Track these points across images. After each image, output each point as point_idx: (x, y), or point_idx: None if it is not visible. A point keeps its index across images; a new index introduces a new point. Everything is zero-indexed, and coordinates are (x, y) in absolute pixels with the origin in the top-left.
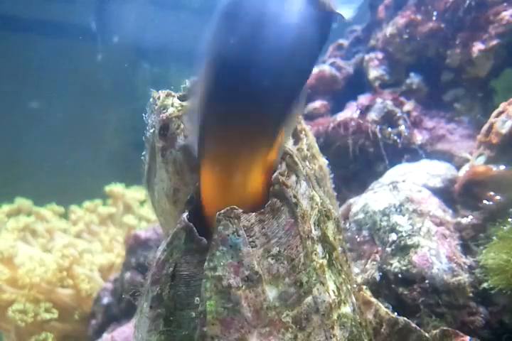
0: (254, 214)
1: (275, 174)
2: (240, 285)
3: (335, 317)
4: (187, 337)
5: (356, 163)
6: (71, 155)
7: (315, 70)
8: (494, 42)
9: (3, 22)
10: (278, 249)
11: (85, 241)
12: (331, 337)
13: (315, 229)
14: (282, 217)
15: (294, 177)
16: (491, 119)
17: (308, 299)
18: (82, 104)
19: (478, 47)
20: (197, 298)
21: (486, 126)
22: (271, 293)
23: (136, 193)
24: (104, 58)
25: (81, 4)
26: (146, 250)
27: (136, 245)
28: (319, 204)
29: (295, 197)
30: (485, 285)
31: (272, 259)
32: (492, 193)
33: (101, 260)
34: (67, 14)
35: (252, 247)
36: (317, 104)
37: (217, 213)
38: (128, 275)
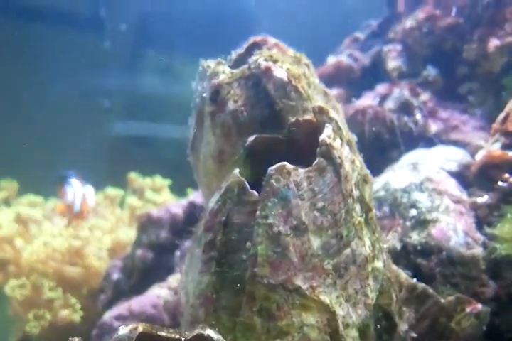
0: (302, 170)
1: (322, 136)
2: (289, 232)
3: (369, 269)
4: (237, 277)
5: (371, 149)
6: (70, 146)
7: (333, 60)
8: (510, 39)
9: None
10: (323, 203)
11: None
12: (365, 286)
13: (355, 190)
14: (328, 175)
15: (339, 141)
16: (507, 108)
17: (347, 251)
18: (87, 92)
19: (494, 42)
20: (248, 243)
21: (502, 115)
22: (315, 242)
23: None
24: (111, 46)
25: None
26: (158, 228)
27: (148, 223)
28: (359, 168)
29: (340, 158)
30: (498, 252)
31: (318, 212)
32: (507, 175)
33: (109, 239)
34: (75, 2)
35: (300, 200)
36: (334, 92)
37: (269, 168)
38: (139, 252)
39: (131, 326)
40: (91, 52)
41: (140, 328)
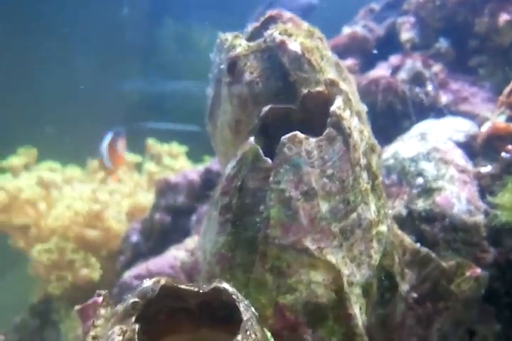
0: (314, 140)
1: (333, 107)
2: (299, 197)
3: (374, 233)
4: (251, 237)
5: (383, 119)
6: (84, 112)
7: (348, 30)
8: None
9: None
10: (332, 170)
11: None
12: (369, 248)
13: (363, 158)
14: (337, 144)
15: (348, 112)
16: None
17: (354, 215)
18: (103, 58)
19: (504, 17)
20: (261, 207)
21: (508, 88)
22: (324, 206)
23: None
24: (129, 12)
25: None
26: (175, 193)
27: (166, 188)
28: (367, 138)
29: (349, 128)
30: (498, 220)
31: (327, 179)
32: (510, 147)
33: (127, 203)
34: None
35: (311, 167)
36: (348, 61)
37: (282, 137)
38: (158, 215)
39: (154, 279)
40: (109, 18)
41: (163, 281)
